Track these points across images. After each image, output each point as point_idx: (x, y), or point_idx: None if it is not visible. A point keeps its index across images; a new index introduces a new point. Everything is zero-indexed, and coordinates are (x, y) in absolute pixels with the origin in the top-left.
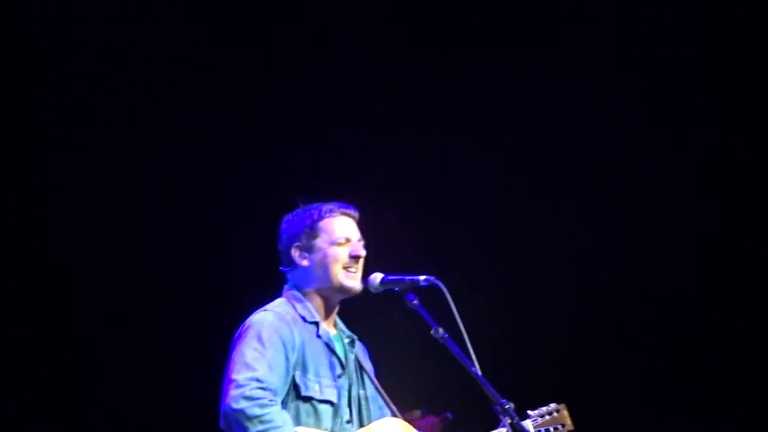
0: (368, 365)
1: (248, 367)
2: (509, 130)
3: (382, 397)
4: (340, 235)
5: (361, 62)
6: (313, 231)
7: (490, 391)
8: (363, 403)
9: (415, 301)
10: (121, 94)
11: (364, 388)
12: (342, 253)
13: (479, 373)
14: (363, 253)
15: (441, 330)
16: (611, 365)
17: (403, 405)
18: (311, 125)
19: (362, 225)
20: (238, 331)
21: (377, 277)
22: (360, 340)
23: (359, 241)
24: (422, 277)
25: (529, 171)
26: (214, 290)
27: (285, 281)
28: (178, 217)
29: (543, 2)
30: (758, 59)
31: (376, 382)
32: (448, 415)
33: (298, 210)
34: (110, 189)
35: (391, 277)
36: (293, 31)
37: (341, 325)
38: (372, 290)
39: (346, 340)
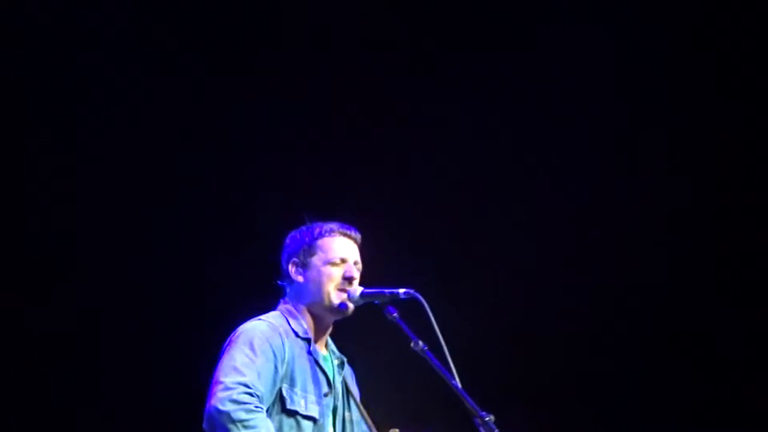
0: (355, 389)
1: (237, 371)
2: (494, 141)
3: (366, 423)
4: (336, 255)
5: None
6: (311, 248)
7: (471, 404)
8: (348, 425)
9: (395, 314)
10: (109, 93)
11: (349, 410)
12: (336, 273)
13: (459, 386)
14: (356, 275)
15: (421, 343)
16: (595, 377)
17: (383, 425)
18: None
19: (363, 248)
20: (229, 338)
21: (357, 290)
22: (350, 363)
23: (355, 263)
24: (402, 290)
25: (511, 181)
26: (209, 293)
27: (281, 295)
28: (174, 217)
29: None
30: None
31: (361, 407)
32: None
33: (303, 227)
34: (109, 189)
35: (370, 291)
36: (274, 33)
37: (332, 346)
38: (352, 303)
39: (336, 362)
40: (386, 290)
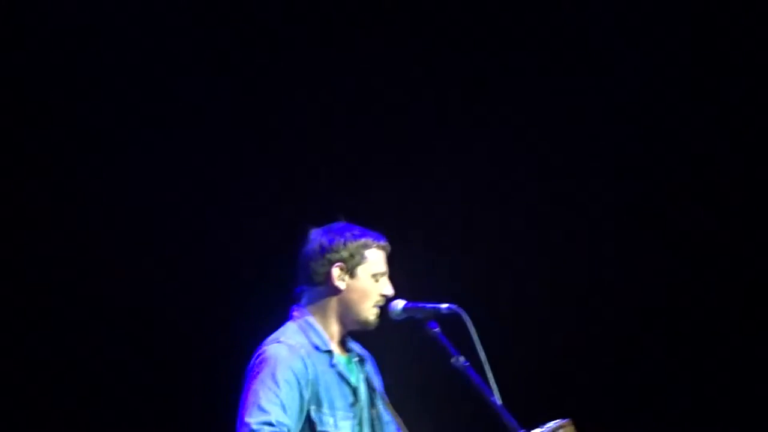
0: (377, 382)
1: (262, 410)
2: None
3: (393, 417)
4: (381, 269)
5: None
6: (360, 256)
7: (510, 421)
8: (376, 423)
9: (437, 329)
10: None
11: (374, 407)
12: (377, 288)
13: (499, 402)
14: (393, 292)
15: (462, 358)
16: (636, 392)
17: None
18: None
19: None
20: (252, 363)
21: (399, 303)
22: (370, 355)
23: (388, 278)
24: (444, 305)
25: (554, 196)
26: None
27: (293, 301)
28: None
29: None
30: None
31: (386, 399)
32: None
33: (338, 225)
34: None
35: (412, 305)
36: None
37: (351, 344)
38: (393, 317)
39: (356, 359)
40: (428, 305)
